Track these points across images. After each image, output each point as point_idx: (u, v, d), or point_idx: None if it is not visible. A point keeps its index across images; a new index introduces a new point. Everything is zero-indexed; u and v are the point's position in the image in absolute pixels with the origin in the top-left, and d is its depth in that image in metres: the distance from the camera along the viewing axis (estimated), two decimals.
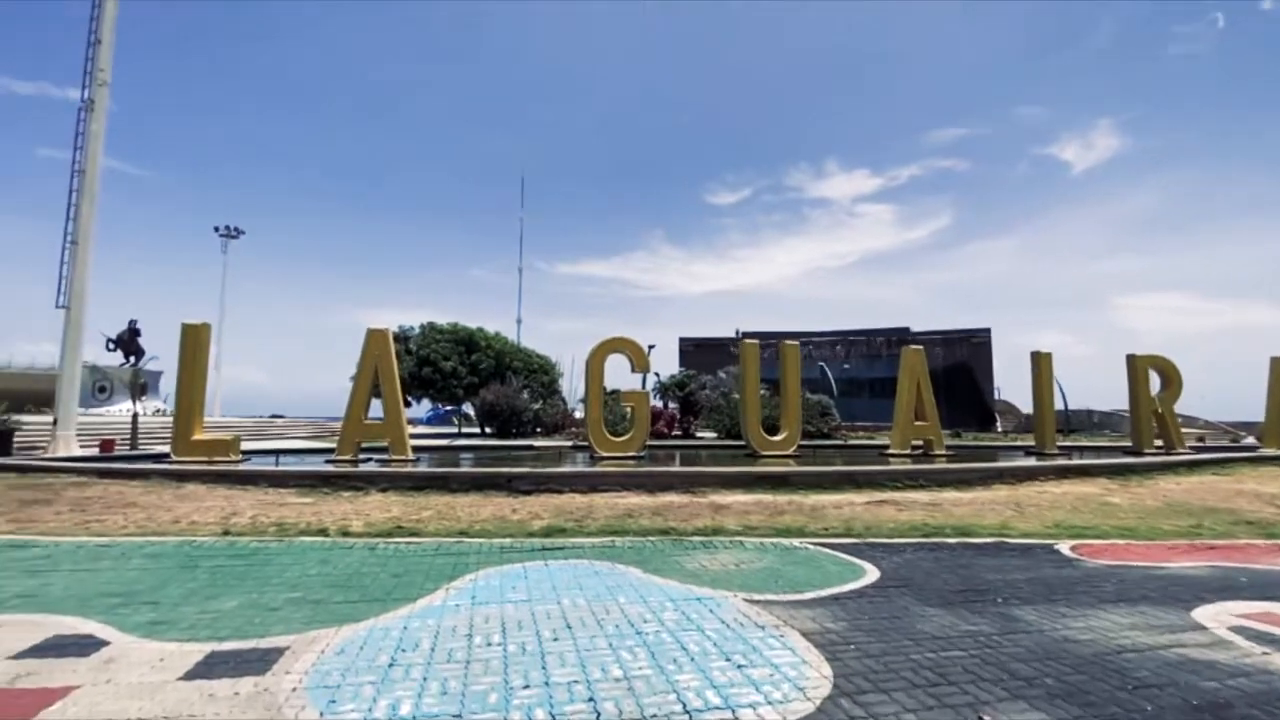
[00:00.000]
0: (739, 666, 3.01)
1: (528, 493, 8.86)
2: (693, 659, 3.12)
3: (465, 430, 31.77)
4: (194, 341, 12.21)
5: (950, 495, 8.86)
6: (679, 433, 24.31)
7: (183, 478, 9.27)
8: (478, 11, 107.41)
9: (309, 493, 8.65)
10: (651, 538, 6.20)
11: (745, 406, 14.16)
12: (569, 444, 18.28)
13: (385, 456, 12.46)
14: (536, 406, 27.09)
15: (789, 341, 15.05)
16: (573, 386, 34.45)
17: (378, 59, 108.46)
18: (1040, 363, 15.82)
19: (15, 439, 12.92)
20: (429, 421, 42.65)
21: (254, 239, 64.18)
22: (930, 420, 14.33)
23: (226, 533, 6.07)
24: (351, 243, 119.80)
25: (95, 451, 14.18)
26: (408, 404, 22.25)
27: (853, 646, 3.34)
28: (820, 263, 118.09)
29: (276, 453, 13.68)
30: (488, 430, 28.62)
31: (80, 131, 15.20)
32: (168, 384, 40.73)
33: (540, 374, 30.58)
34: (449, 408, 40.97)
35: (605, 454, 13.17)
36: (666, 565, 5.13)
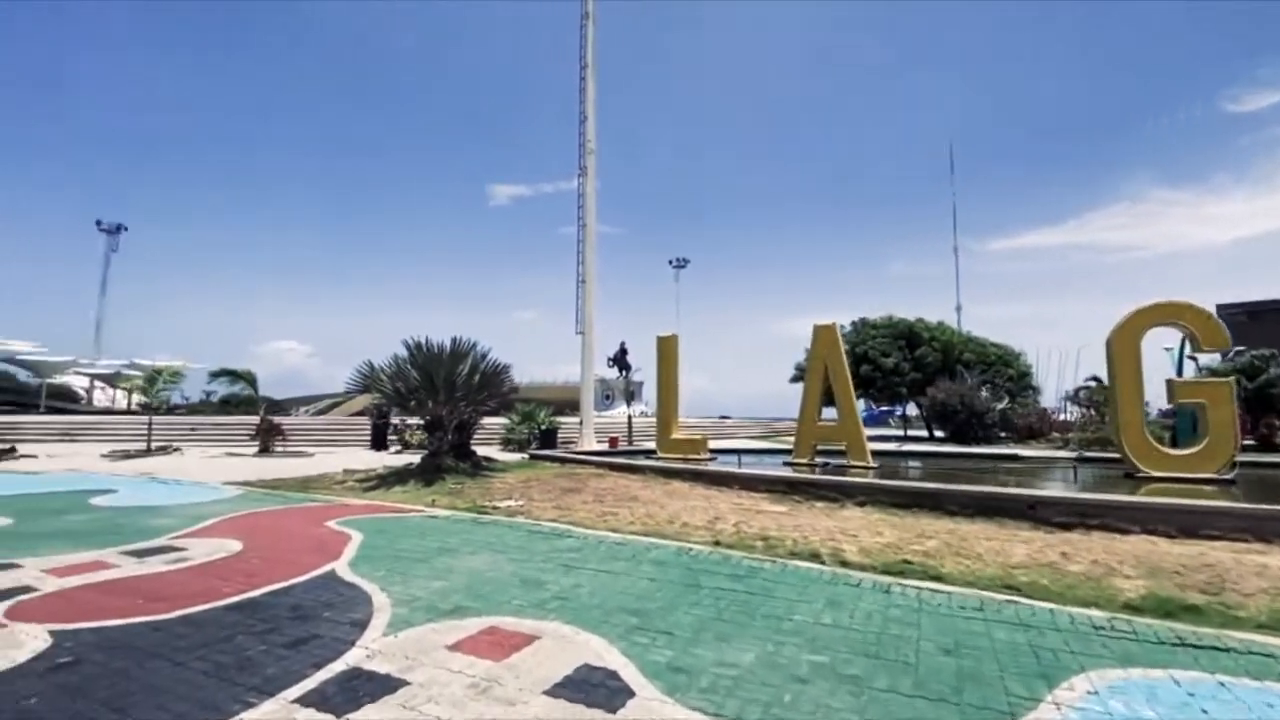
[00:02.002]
0: None
1: (1065, 527, 6.30)
2: None
3: (910, 433, 28.93)
4: (666, 351, 13.54)
5: None
6: (1252, 440, 16.39)
7: (669, 474, 9.96)
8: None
9: (780, 499, 8.05)
10: None
11: None
12: (1072, 454, 13.93)
13: (841, 461, 11.37)
14: (1001, 405, 22.42)
15: None
16: (1041, 379, 27.85)
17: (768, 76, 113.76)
18: None
19: (558, 435, 16.80)
20: (865, 422, 41.11)
21: (696, 264, 74.18)
22: None
23: (717, 543, 5.66)
24: (773, 253, 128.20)
25: (605, 446, 17.38)
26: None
27: None
28: None
29: (737, 452, 14.16)
30: (937, 433, 25.26)
31: (580, 193, 19.17)
32: (647, 391, 50.19)
33: (1001, 366, 25.46)
34: (884, 408, 38.41)
35: (1155, 473, 9.12)
36: None
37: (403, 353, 11.05)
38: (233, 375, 17.06)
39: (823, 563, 5.07)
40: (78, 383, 51.65)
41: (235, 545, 5.39)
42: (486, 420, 15.28)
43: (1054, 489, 7.59)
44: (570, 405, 27.46)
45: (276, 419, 18.42)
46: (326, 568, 4.68)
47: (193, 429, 20.59)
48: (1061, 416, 24.04)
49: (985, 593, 4.26)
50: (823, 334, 11.84)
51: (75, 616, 3.49)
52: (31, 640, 3.12)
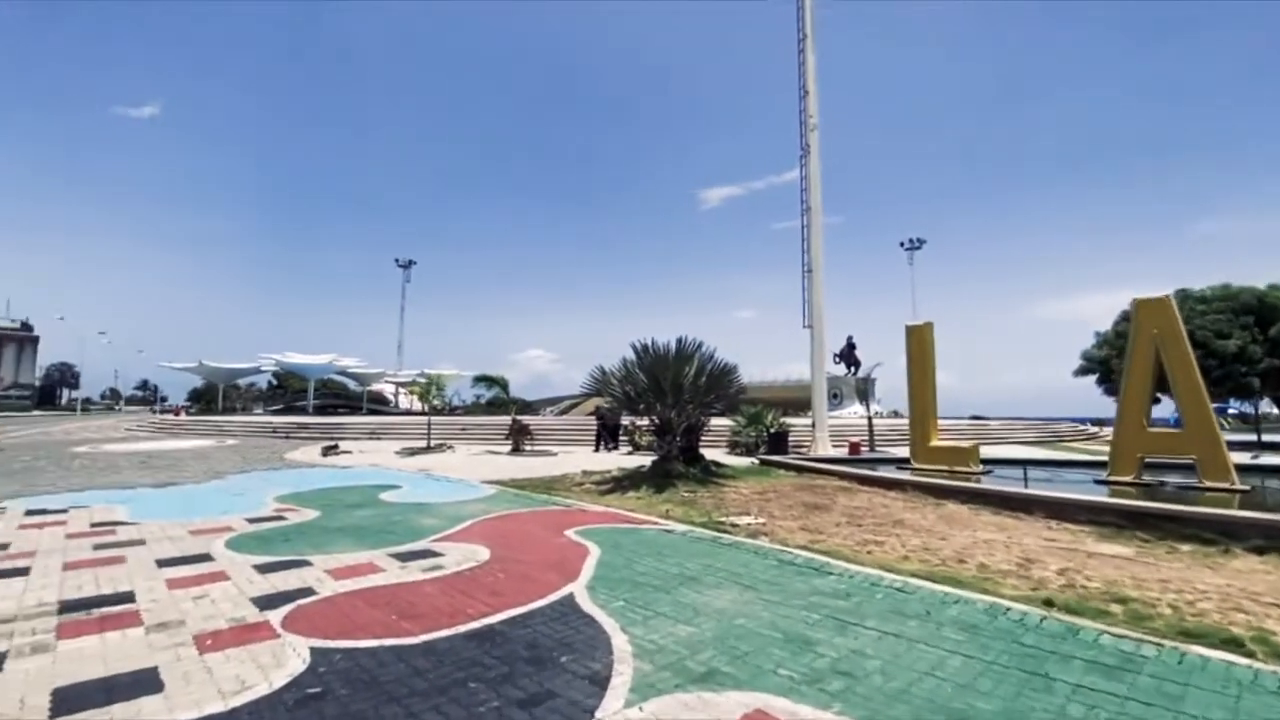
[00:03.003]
0: None
1: None
2: None
3: (1265, 438, 21.70)
4: (920, 342, 11.55)
5: None
6: None
7: (938, 493, 8.22)
8: None
9: (1116, 536, 5.94)
10: None
11: None
12: None
13: (1185, 480, 8.44)
14: None
15: None
16: None
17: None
18: None
19: (788, 439, 15.56)
20: (1177, 424, 32.08)
21: (935, 245, 66.45)
22: None
23: (1049, 602, 4.09)
24: (1022, 227, 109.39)
25: (842, 451, 15.68)
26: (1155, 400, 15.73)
27: None
28: None
29: (1019, 463, 11.52)
30: None
31: (803, 175, 17.68)
32: (878, 389, 45.91)
33: None
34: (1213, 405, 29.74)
35: None
36: None
37: (631, 355, 10.95)
38: (489, 380, 19.11)
39: (1251, 655, 3.28)
40: (388, 390, 64.22)
41: (484, 553, 5.37)
42: (712, 421, 14.73)
43: None
44: (795, 405, 25.86)
45: (524, 419, 20.18)
46: (565, 590, 4.29)
47: (463, 429, 23.69)
48: None
49: None
50: (1151, 311, 8.96)
51: (336, 631, 3.47)
52: (293, 659, 3.08)
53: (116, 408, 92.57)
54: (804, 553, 5.44)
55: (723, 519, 6.91)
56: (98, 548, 5.50)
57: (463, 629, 3.55)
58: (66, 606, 3.88)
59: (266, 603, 3.97)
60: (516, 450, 17.19)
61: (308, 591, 4.22)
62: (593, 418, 17.93)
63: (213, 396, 60.75)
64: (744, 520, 6.85)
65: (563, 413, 47.73)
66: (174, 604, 3.95)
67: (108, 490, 9.16)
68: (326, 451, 16.42)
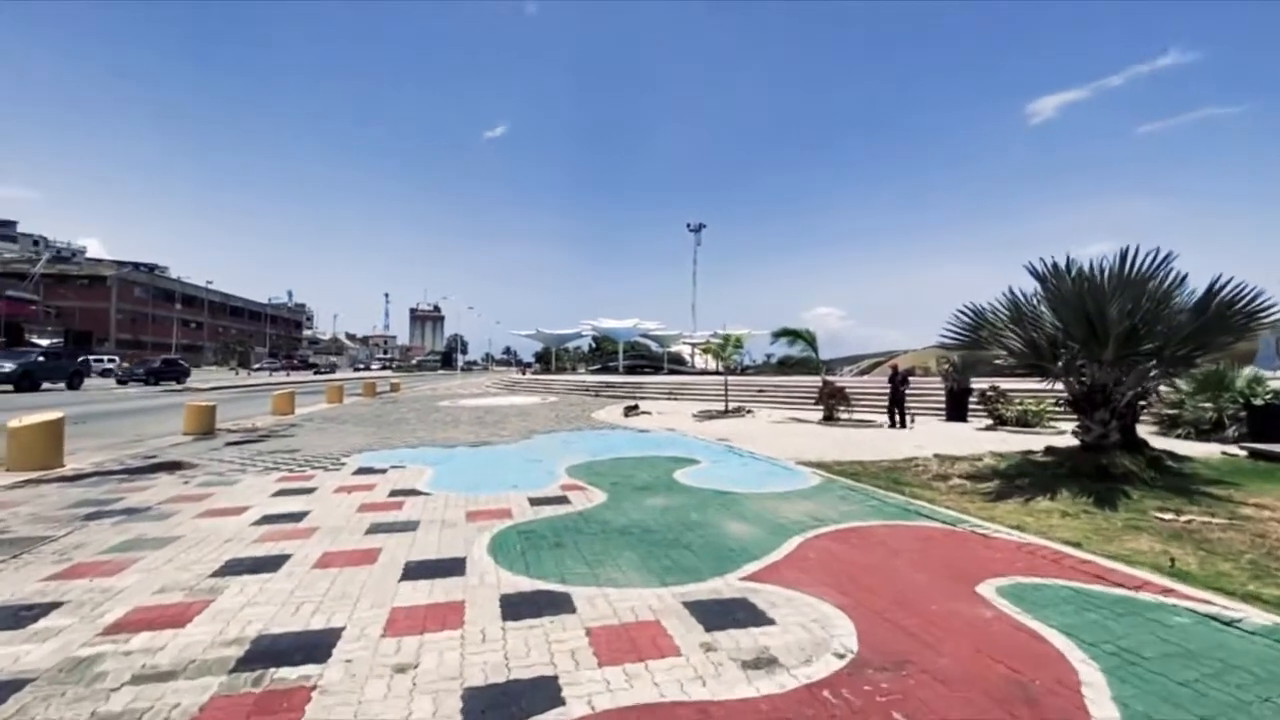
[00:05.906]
0: None
1: None
2: None
3: None
4: None
5: None
6: None
7: None
8: None
9: None
10: None
11: None
12: None
13: None
14: None
15: None
16: None
17: None
18: None
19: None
20: None
21: None
22: None
23: None
24: None
25: None
26: None
27: None
28: None
29: None
30: None
31: None
32: None
33: None
34: None
35: None
36: None
37: (1026, 288, 7.19)
38: (793, 335, 16.66)
39: None
40: (685, 350, 66.86)
41: (842, 626, 3.00)
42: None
43: None
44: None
45: (837, 380, 17.27)
46: None
47: (760, 390, 21.83)
48: None
49: None
50: None
51: None
52: None
53: (487, 368, 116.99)
54: None
55: None
56: (370, 531, 4.72)
57: None
58: (252, 655, 2.69)
59: None
60: (829, 418, 14.45)
61: (553, 696, 2.37)
62: (900, 382, 13.81)
63: (549, 359, 71.23)
64: None
65: (862, 373, 43.01)
66: (364, 680, 2.47)
67: (433, 449, 9.39)
68: (628, 412, 16.07)
